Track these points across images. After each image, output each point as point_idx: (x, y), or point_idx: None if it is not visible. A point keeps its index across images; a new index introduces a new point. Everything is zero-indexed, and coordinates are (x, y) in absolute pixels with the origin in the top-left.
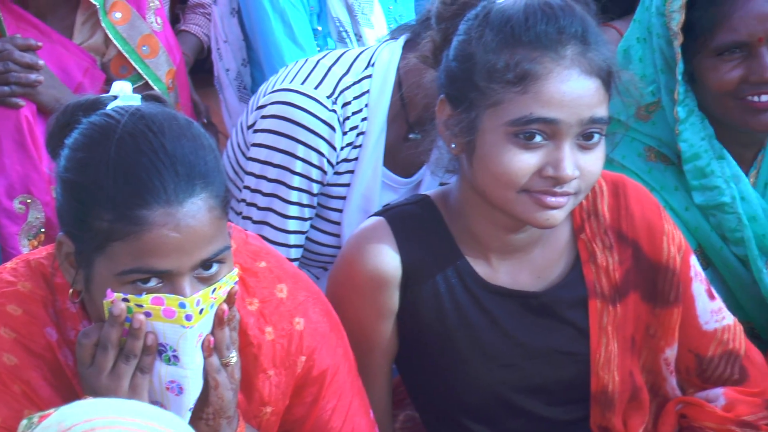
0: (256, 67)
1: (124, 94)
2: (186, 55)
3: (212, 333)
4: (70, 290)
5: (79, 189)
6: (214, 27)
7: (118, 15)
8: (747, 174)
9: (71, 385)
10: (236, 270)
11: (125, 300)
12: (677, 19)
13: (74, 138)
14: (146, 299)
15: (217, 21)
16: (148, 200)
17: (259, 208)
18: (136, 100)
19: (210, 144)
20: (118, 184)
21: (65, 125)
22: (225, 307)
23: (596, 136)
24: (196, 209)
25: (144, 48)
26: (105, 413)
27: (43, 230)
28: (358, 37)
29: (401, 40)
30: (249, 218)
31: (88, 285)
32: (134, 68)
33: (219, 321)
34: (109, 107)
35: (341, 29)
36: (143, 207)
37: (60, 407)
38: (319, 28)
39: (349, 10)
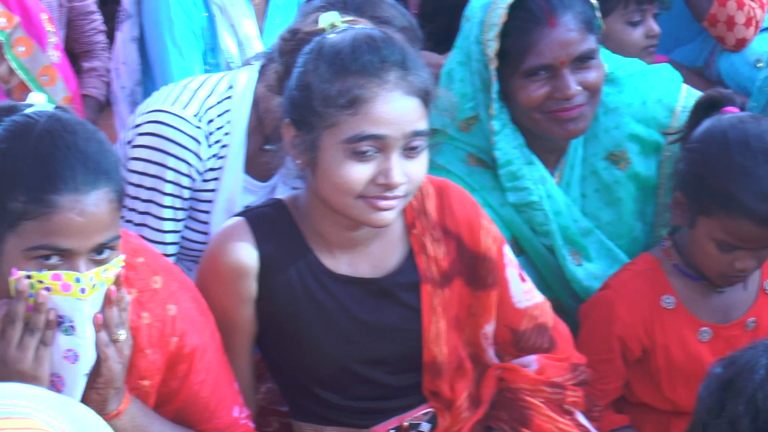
0: (152, 85)
1: (38, 104)
2: (88, 116)
3: (101, 311)
4: None
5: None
6: (116, 49)
7: (22, 48)
8: (552, 174)
9: None
10: (123, 256)
11: (28, 277)
12: (492, 47)
13: None
14: (46, 275)
15: (119, 45)
16: (59, 187)
17: (139, 212)
18: (49, 108)
19: (112, 149)
20: (35, 172)
21: None
22: (113, 288)
23: (419, 147)
24: (98, 199)
25: (44, 77)
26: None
27: None
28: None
29: (257, 65)
30: (130, 221)
31: None
32: None
33: (107, 300)
34: (26, 111)
35: (230, 61)
36: (55, 192)
37: None
38: (213, 61)
39: (240, 44)
